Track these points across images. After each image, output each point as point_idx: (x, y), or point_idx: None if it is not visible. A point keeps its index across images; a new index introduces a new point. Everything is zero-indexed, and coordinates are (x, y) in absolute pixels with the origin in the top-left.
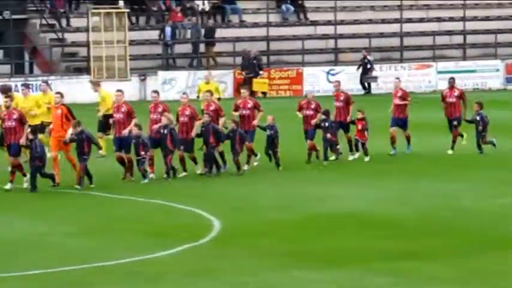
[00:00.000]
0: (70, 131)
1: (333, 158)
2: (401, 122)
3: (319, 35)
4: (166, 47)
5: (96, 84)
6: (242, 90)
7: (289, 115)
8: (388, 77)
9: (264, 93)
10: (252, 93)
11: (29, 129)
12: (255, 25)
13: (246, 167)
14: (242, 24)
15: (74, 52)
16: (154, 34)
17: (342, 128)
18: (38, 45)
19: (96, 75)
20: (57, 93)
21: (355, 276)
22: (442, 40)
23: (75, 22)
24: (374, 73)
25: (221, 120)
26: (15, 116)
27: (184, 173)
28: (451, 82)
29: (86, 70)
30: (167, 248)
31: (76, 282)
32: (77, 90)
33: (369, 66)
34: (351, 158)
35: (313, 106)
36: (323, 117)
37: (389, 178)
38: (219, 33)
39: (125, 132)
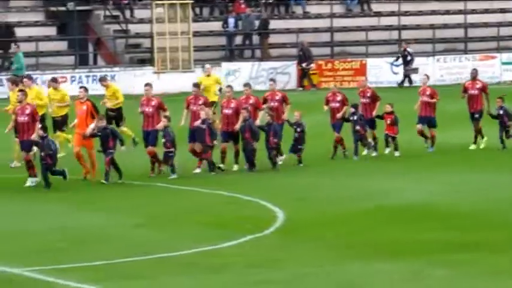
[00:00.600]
0: (92, 125)
1: (365, 152)
2: (428, 121)
3: (383, 26)
4: (229, 38)
5: (103, 80)
6: (270, 83)
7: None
8: (452, 69)
9: (314, 85)
10: (314, 86)
11: (39, 126)
12: (319, 16)
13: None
14: (306, 15)
15: (137, 43)
16: (218, 25)
17: (368, 125)
18: (102, 37)
19: (160, 66)
20: (82, 87)
21: (416, 268)
22: (506, 31)
23: (139, 13)
24: (414, 65)
25: (260, 114)
26: (27, 111)
27: (222, 165)
28: (474, 73)
29: (150, 61)
30: (231, 239)
31: (139, 273)
32: (140, 81)
33: (409, 58)
34: (374, 154)
35: (339, 98)
36: (352, 110)
37: (449, 170)
38: (283, 24)
39: (160, 126)
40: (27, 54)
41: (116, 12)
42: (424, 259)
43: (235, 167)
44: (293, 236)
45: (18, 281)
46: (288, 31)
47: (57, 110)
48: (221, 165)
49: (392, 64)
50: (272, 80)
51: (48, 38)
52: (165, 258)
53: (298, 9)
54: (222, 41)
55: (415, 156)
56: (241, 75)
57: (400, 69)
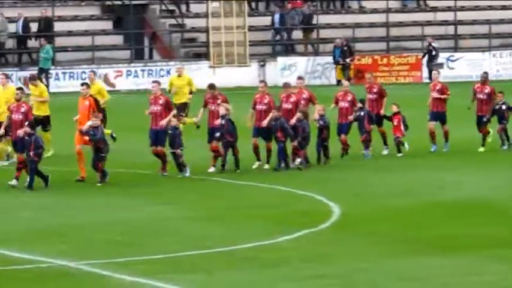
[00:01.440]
0: (89, 122)
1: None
2: (440, 117)
3: (439, 21)
4: (280, 32)
5: (33, 79)
6: (299, 81)
7: (410, 102)
8: (508, 64)
9: (349, 79)
10: (349, 79)
11: (26, 123)
12: (374, 11)
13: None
14: (361, 10)
15: (193, 38)
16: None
17: (375, 122)
18: (157, 31)
19: (215, 61)
20: (84, 84)
21: (470, 263)
22: None
23: (195, 7)
24: (439, 60)
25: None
26: (23, 110)
27: (258, 162)
28: (484, 77)
29: (205, 56)
30: (286, 234)
31: (196, 267)
32: (195, 76)
33: (433, 53)
34: (385, 152)
35: (349, 98)
36: (359, 105)
37: (504, 166)
38: (339, 19)
39: (163, 123)
40: (83, 49)
41: (171, 7)
42: (478, 254)
43: (266, 166)
44: (348, 230)
45: (74, 274)
46: (343, 26)
47: (39, 108)
48: (256, 163)
49: (430, 62)
50: (300, 77)
51: (104, 32)
52: (222, 253)
53: (354, 4)
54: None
55: (468, 151)
56: (297, 69)
57: (457, 65)
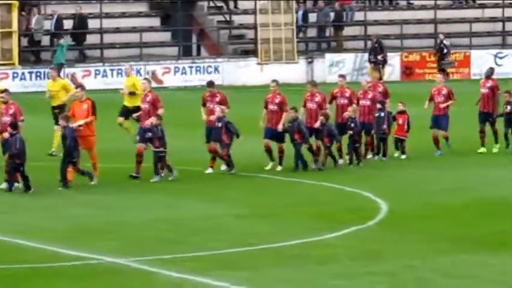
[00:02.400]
0: (150, 120)
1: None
2: (440, 122)
3: (487, 17)
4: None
5: (53, 72)
6: (339, 79)
7: (458, 99)
8: None
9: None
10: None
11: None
12: (423, 7)
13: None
14: (409, 6)
15: (241, 34)
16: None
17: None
18: (205, 28)
19: (263, 57)
20: (78, 87)
21: None
22: None
23: (243, 4)
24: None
25: (284, 115)
26: (11, 111)
27: (271, 163)
28: (488, 72)
29: (253, 52)
30: (334, 231)
31: (242, 264)
32: (243, 72)
33: (445, 50)
34: (376, 158)
35: (347, 94)
36: (378, 106)
37: None
38: (386, 15)
39: (147, 123)
40: (131, 45)
41: (219, 3)
42: None
43: (279, 168)
44: (396, 227)
45: (123, 271)
46: (391, 22)
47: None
48: (270, 164)
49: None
50: (342, 76)
51: (152, 29)
52: (269, 249)
53: (402, 1)
54: (326, 32)
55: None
56: (344, 66)
57: (504, 62)
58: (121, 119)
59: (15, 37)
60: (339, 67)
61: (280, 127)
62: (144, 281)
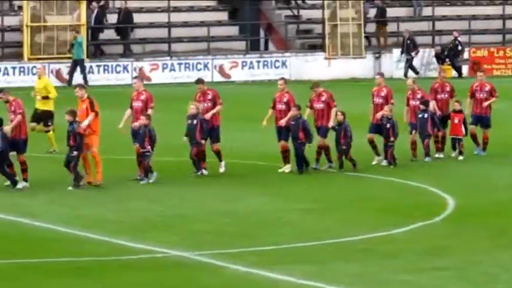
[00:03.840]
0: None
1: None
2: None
3: None
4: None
5: (41, 70)
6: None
7: None
8: None
9: (417, 72)
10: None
11: None
12: (491, 3)
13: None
14: (478, 2)
15: (309, 29)
16: (392, 11)
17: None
18: (273, 22)
19: (331, 52)
20: (77, 86)
21: None
22: None
23: None
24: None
25: (333, 112)
26: (12, 108)
27: (288, 165)
28: (480, 75)
29: (321, 47)
30: (401, 226)
31: (309, 258)
32: (311, 67)
33: (459, 48)
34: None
35: (383, 94)
36: (422, 107)
37: None
38: (453, 11)
39: (136, 125)
40: (198, 39)
41: None
42: None
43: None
44: (463, 223)
45: (190, 264)
46: (459, 18)
47: (42, 103)
48: (287, 166)
49: (438, 57)
50: (380, 74)
51: (219, 23)
52: (334, 244)
53: None
54: (393, 27)
55: None
56: (412, 61)
57: None
58: (33, 124)
59: (84, 31)
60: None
61: (283, 122)
62: (212, 275)
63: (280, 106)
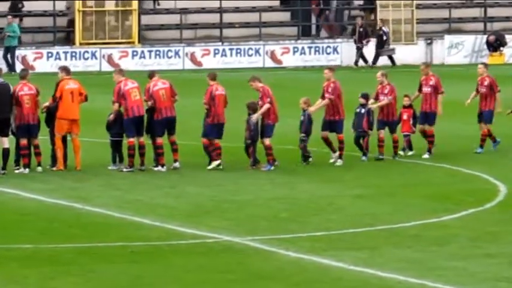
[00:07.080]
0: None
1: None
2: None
3: None
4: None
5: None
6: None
7: None
8: None
9: None
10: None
11: None
12: None
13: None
14: None
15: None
16: None
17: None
18: (324, 8)
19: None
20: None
21: None
22: None
23: None
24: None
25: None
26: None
27: (335, 154)
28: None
29: (372, 33)
30: (452, 212)
31: (360, 244)
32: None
33: (384, 38)
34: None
35: (432, 83)
36: (362, 101)
37: None
38: None
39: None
40: (250, 25)
41: None
42: None
43: (339, 162)
44: None
45: (241, 249)
46: (511, 4)
47: None
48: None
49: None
50: (425, 64)
51: (271, 9)
52: (386, 230)
53: None
54: (445, 13)
55: None
56: (464, 48)
57: None
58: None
59: (135, 15)
60: (458, 49)
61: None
62: (263, 260)
63: (329, 96)
